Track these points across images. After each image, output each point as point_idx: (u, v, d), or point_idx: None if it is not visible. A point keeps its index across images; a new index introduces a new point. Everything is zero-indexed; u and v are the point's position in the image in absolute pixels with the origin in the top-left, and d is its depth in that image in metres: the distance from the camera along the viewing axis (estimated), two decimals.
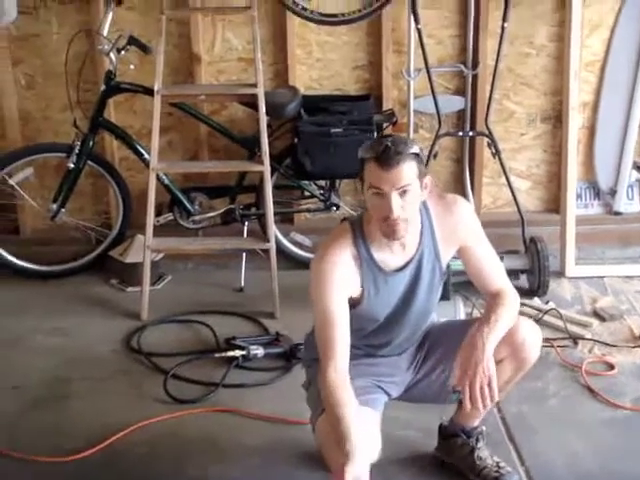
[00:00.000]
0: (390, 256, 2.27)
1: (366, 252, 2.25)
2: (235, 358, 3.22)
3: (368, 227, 2.25)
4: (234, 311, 3.70)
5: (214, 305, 3.75)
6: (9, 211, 4.21)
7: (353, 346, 2.23)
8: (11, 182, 3.99)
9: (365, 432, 2.10)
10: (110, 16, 3.78)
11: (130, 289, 3.93)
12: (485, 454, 2.51)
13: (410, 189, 2.12)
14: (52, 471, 2.61)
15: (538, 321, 3.34)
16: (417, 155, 2.15)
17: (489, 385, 2.18)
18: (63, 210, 4.00)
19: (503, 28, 3.77)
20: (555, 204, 4.28)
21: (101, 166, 4.04)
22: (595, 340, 3.37)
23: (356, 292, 2.26)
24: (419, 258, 2.29)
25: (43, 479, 2.59)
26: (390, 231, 2.16)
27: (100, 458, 2.67)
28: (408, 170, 2.11)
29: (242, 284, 3.96)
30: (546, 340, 2.88)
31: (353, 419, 2.08)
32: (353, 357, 2.24)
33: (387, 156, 2.09)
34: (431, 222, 2.29)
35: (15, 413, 2.94)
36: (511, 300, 2.32)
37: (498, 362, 2.25)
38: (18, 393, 3.07)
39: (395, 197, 2.10)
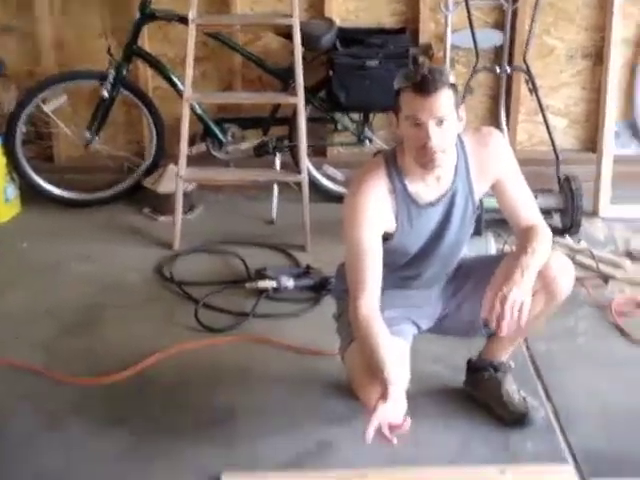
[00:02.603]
0: (424, 189, 2.25)
1: (400, 185, 2.23)
2: (265, 289, 3.25)
3: (402, 160, 2.23)
4: (265, 243, 3.72)
5: (245, 236, 3.77)
6: (44, 138, 4.24)
7: (384, 279, 2.24)
8: (45, 109, 4.01)
9: (398, 361, 2.11)
10: None
11: (162, 218, 3.96)
12: (512, 389, 2.53)
13: (447, 119, 2.10)
14: (84, 393, 2.67)
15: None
16: (453, 85, 2.12)
17: (520, 310, 2.16)
18: (97, 138, 4.02)
19: None
20: (592, 143, 4.23)
21: (135, 95, 4.03)
22: (626, 279, 3.35)
23: (389, 226, 2.26)
24: (453, 192, 2.27)
25: (76, 399, 2.64)
26: (427, 161, 2.14)
27: (131, 383, 2.72)
28: (445, 98, 2.09)
29: (273, 216, 3.97)
30: (577, 279, 2.85)
31: (387, 349, 2.09)
32: (384, 289, 2.24)
33: (425, 83, 2.06)
34: (466, 156, 2.27)
35: (50, 336, 3.00)
36: (545, 235, 2.30)
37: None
38: (53, 317, 3.12)
39: (432, 126, 2.08)
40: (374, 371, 2.08)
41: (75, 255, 3.60)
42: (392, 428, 2.02)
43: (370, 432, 1.98)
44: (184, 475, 2.30)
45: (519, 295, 2.16)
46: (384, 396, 2.03)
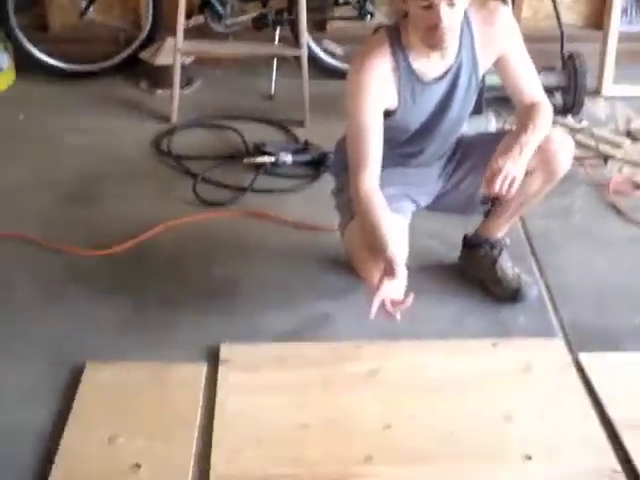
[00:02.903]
0: (428, 65, 2.22)
1: (404, 63, 2.20)
2: (263, 164, 3.24)
3: (406, 37, 2.18)
4: (263, 118, 3.69)
5: (243, 111, 3.73)
6: (38, 5, 4.13)
7: (384, 156, 2.23)
8: None
9: (399, 239, 2.13)
10: None
11: (159, 92, 3.91)
12: (507, 265, 2.56)
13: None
14: (82, 263, 2.70)
15: None
16: None
17: (510, 185, 2.17)
18: (92, 7, 3.92)
19: None
20: (598, 20, 4.13)
21: None
22: (625, 160, 3.35)
23: (392, 103, 2.23)
24: (457, 67, 2.24)
25: (73, 270, 2.68)
26: (436, 42, 2.09)
27: (130, 254, 2.75)
28: None
29: (272, 91, 3.92)
30: (576, 159, 2.85)
31: (389, 226, 2.11)
32: (383, 167, 2.24)
33: None
34: (471, 30, 2.22)
35: (48, 207, 3.01)
36: (546, 111, 2.28)
37: (527, 173, 2.24)
38: (51, 189, 3.12)
39: (444, 7, 2.03)
40: (376, 248, 2.10)
41: (72, 128, 3.57)
42: (395, 304, 2.07)
43: (374, 308, 2.02)
44: (182, 346, 2.35)
45: (513, 170, 2.16)
46: (387, 273, 2.06)
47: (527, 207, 2.49)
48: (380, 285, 2.06)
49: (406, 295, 2.09)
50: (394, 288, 2.08)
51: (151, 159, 3.39)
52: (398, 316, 2.07)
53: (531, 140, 2.21)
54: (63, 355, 2.30)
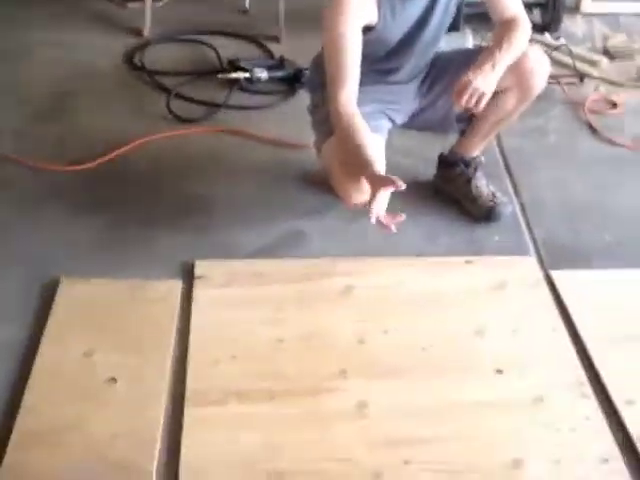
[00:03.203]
0: None
1: None
2: (238, 80, 3.19)
3: None
4: (238, 33, 3.62)
5: (218, 26, 3.65)
6: None
7: (361, 74, 2.19)
8: None
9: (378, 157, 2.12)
10: None
11: (131, 5, 3.82)
12: (482, 183, 2.57)
13: None
14: (56, 179, 2.67)
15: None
16: None
17: (478, 101, 2.18)
18: None
19: None
20: None
21: None
22: (602, 78, 3.34)
23: (372, 19, 2.19)
24: None
25: (47, 186, 2.65)
26: None
27: (103, 171, 2.72)
28: None
29: (247, 5, 3.84)
30: (552, 77, 2.84)
31: (371, 145, 2.08)
32: (361, 84, 2.20)
33: None
34: None
35: (20, 123, 2.96)
36: (524, 28, 2.26)
37: (502, 91, 2.23)
38: (23, 104, 3.06)
39: None
40: (356, 166, 2.08)
41: (42, 41, 3.47)
42: (388, 218, 2.05)
43: (373, 220, 1.99)
44: (158, 262, 2.35)
45: (482, 84, 2.16)
46: (381, 185, 2.02)
47: (502, 125, 2.49)
48: (373, 200, 2.02)
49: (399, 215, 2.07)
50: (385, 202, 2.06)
51: (124, 74, 3.32)
52: (394, 229, 2.04)
53: (505, 57, 2.20)
54: (37, 272, 2.29)
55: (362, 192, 2.11)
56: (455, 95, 2.18)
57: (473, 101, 2.17)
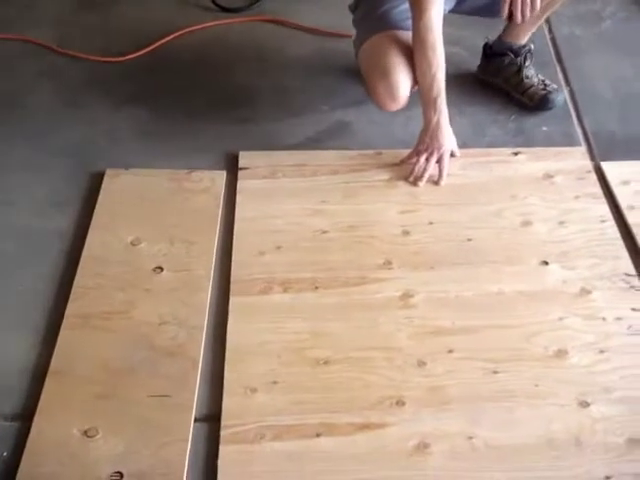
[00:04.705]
0: None
1: None
2: None
3: None
4: None
5: None
6: None
7: None
8: None
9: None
10: None
11: None
12: (531, 73, 2.50)
13: None
14: (100, 69, 2.66)
15: None
16: None
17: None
18: None
19: None
20: None
21: None
22: None
23: None
24: None
25: (92, 75, 2.64)
26: None
27: (147, 61, 2.70)
28: None
29: None
30: None
31: (443, 70, 2.13)
32: None
33: None
34: None
35: (63, 12, 2.93)
36: None
37: None
38: None
39: None
40: (424, 91, 2.14)
41: None
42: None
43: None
44: (202, 153, 2.34)
45: None
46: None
47: (555, 7, 2.39)
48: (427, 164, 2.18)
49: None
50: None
51: None
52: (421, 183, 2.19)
53: None
54: (83, 162, 2.30)
55: (394, 99, 2.14)
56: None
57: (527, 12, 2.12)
